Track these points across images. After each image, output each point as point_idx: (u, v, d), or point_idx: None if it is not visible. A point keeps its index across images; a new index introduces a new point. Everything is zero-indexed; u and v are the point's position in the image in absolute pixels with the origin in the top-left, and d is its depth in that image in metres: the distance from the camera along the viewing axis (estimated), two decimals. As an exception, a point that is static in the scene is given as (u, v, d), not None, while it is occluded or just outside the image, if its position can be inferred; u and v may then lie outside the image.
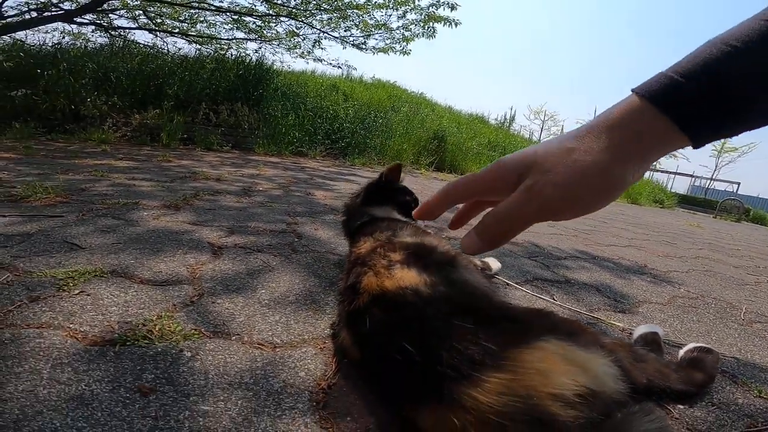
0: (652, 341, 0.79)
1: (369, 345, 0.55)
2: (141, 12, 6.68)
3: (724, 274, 1.93)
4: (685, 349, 0.79)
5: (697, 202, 13.72)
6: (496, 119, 11.50)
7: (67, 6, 5.88)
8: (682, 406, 0.66)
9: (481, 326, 0.49)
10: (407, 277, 0.60)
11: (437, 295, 0.55)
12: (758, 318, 1.25)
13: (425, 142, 6.24)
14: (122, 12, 6.64)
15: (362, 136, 5.64)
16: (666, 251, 2.39)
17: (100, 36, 6.86)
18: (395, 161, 1.00)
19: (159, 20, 6.89)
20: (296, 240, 1.29)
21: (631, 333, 0.92)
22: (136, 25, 6.82)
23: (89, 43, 6.21)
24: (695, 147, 0.37)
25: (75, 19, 5.76)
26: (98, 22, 6.48)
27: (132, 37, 6.77)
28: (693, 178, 20.83)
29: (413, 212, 0.55)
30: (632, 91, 0.38)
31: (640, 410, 0.46)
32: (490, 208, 0.42)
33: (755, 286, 1.76)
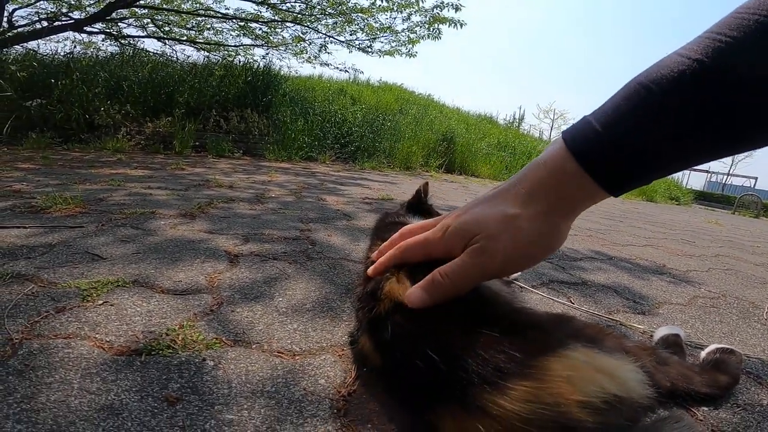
0: (674, 343, 0.78)
1: (391, 352, 0.55)
2: (149, 20, 6.81)
3: (745, 273, 1.89)
4: (707, 350, 0.77)
5: (714, 198, 13.47)
6: (505, 119, 11.47)
7: (76, 15, 6.03)
8: (706, 408, 0.65)
9: (505, 334, 0.49)
10: None
11: (461, 303, 0.56)
12: None
13: (434, 144, 6.23)
14: (131, 21, 6.78)
15: (371, 140, 5.65)
16: (685, 250, 2.35)
17: (111, 45, 7.02)
18: (424, 180, 1.00)
19: (167, 28, 7.01)
20: (310, 247, 1.30)
21: (651, 335, 0.90)
22: (145, 33, 6.96)
23: (100, 52, 6.36)
24: (615, 196, 0.40)
25: (85, 28, 5.90)
26: (108, 30, 6.63)
27: (142, 46, 6.91)
28: (709, 174, 20.48)
29: (367, 271, 0.62)
30: (561, 136, 0.40)
31: (670, 417, 0.46)
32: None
33: None
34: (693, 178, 19.59)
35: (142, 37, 6.96)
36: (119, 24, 6.75)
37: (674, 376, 0.62)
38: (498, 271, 0.45)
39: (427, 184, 1.02)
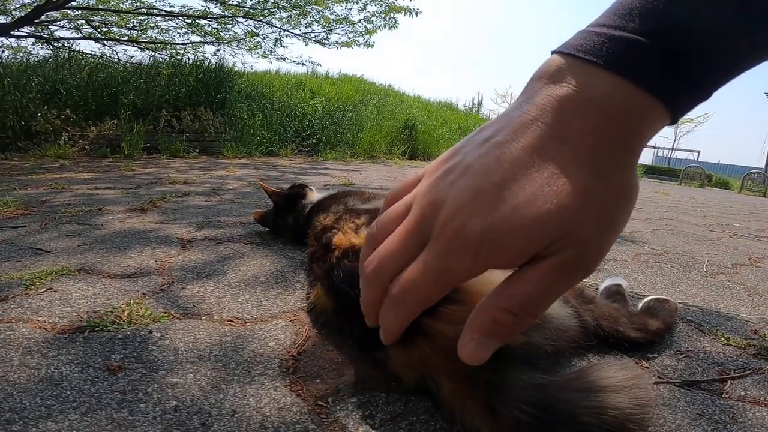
0: (615, 293, 0.80)
1: (341, 292, 0.57)
2: (84, 22, 6.44)
3: (687, 232, 2.01)
4: (644, 300, 0.79)
5: (662, 171, 14.30)
6: (464, 105, 11.64)
7: (1, 19, 5.61)
8: (651, 355, 0.66)
9: None
10: None
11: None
12: (721, 270, 1.29)
13: (396, 132, 6.28)
14: (64, 23, 6.38)
15: (333, 132, 5.63)
16: (632, 215, 2.48)
17: (42, 48, 6.58)
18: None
19: (105, 29, 6.64)
20: (267, 229, 1.29)
21: (597, 288, 0.94)
22: (81, 35, 6.57)
23: (31, 57, 5.96)
24: (673, 122, 0.28)
25: (12, 32, 5.52)
26: (38, 34, 6.22)
27: (78, 48, 6.51)
28: (656, 149, 21.72)
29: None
30: (570, 55, 0.27)
31: (612, 360, 0.48)
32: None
33: (717, 241, 1.84)
34: (642, 154, 20.81)
35: (77, 39, 6.55)
36: (50, 27, 6.36)
37: (599, 315, 0.63)
38: (587, 274, 0.29)
39: (260, 182, 1.16)
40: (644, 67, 0.26)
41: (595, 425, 0.40)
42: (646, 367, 0.63)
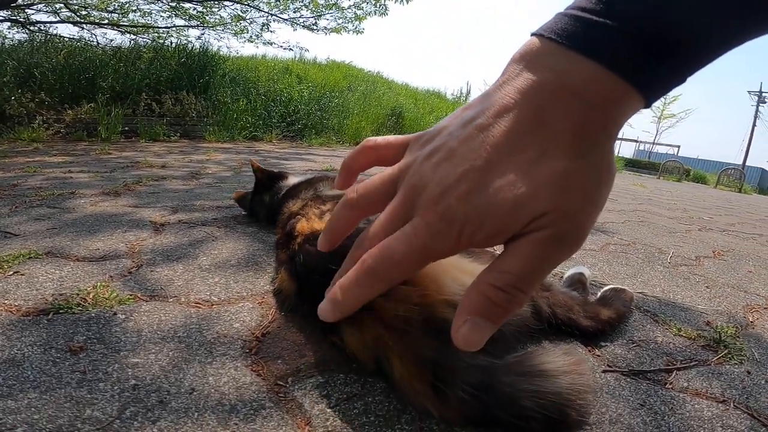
0: (577, 281, 0.81)
1: (303, 275, 0.58)
2: (62, 5, 6.20)
3: (657, 224, 2.04)
4: (602, 290, 0.80)
5: (642, 164, 14.58)
6: (453, 94, 11.60)
7: (-26, 4, 5.38)
8: (604, 344, 0.67)
9: None
10: None
11: (356, 231, 0.60)
12: (684, 261, 1.31)
13: (383, 119, 6.26)
14: (41, 6, 6.14)
15: (319, 117, 5.58)
16: (606, 206, 2.53)
17: (18, 32, 6.34)
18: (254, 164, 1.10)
19: (84, 12, 6.41)
20: (243, 213, 1.30)
21: (562, 276, 0.95)
22: (58, 18, 6.33)
23: (6, 41, 5.73)
24: (647, 106, 0.30)
25: None
26: (13, 18, 5.98)
27: (55, 31, 6.28)
28: (637, 143, 22.09)
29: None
30: (550, 39, 0.28)
31: (555, 347, 0.50)
32: None
33: (685, 234, 1.87)
34: (623, 147, 20.99)
35: (55, 22, 6.32)
36: (27, 11, 6.10)
37: (554, 302, 0.64)
38: (573, 250, 0.30)
39: (251, 160, 1.14)
40: (623, 55, 0.27)
41: (534, 408, 0.41)
42: (597, 356, 0.64)
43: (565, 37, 0.28)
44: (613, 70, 0.27)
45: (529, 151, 0.27)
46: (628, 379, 0.59)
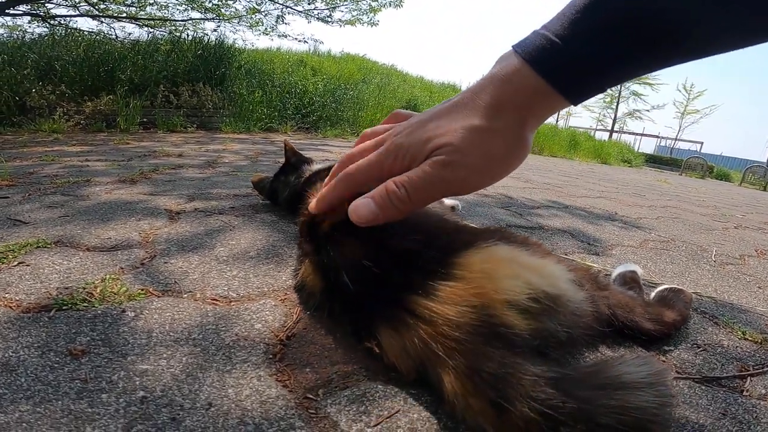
0: (631, 279, 0.76)
1: (329, 270, 0.51)
2: (81, -1, 6.25)
3: (692, 221, 1.96)
4: (656, 290, 0.74)
5: (664, 161, 14.18)
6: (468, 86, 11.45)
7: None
8: (667, 348, 0.62)
9: (432, 238, 0.46)
10: None
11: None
12: (729, 260, 1.25)
13: (398, 113, 6.17)
14: (60, 0, 6.20)
15: (333, 109, 5.53)
16: (636, 201, 2.43)
17: (39, 26, 6.41)
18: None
19: (103, 6, 6.46)
20: (261, 201, 1.23)
21: (608, 274, 0.89)
22: (77, 12, 6.38)
23: (27, 35, 5.81)
24: (575, 104, 0.39)
25: (7, 11, 5.37)
26: (34, 12, 6.05)
27: (75, 25, 6.34)
28: (659, 139, 21.53)
29: (310, 206, 0.51)
30: (514, 50, 0.38)
31: (632, 357, 0.43)
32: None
33: (723, 232, 1.79)
34: (644, 143, 20.59)
35: (74, 16, 6.36)
36: (47, 5, 6.16)
37: (614, 303, 0.58)
38: (462, 187, 0.40)
39: (286, 140, 1.13)
40: (547, 59, 0.36)
41: (614, 426, 0.35)
42: (663, 361, 0.59)
43: (518, 44, 0.38)
44: (533, 67, 0.36)
45: (459, 113, 0.39)
46: (702, 387, 0.54)
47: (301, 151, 1.17)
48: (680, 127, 22.12)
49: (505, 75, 0.38)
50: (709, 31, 0.33)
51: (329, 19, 6.66)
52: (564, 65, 0.36)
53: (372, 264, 0.45)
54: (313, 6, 6.54)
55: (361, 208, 0.40)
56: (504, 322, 0.38)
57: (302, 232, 0.60)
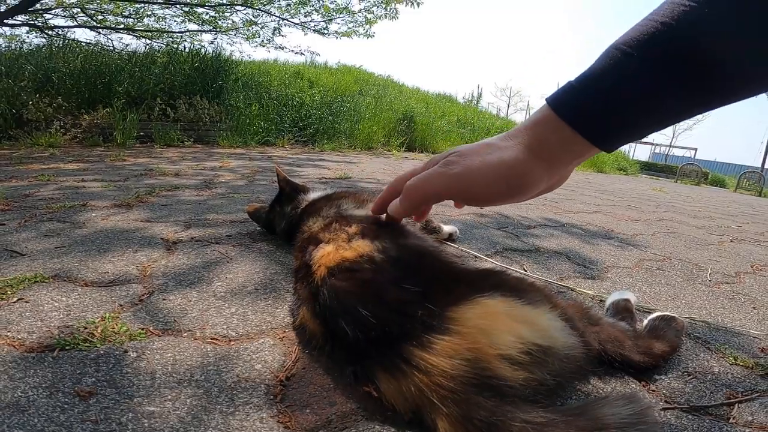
0: (624, 309, 0.77)
1: (327, 315, 0.52)
2: (79, 9, 6.29)
3: (688, 235, 1.98)
4: (648, 318, 0.75)
5: (659, 168, 14.30)
6: (464, 98, 11.53)
7: (-4, 8, 5.48)
8: (658, 377, 0.63)
9: (428, 287, 0.47)
10: (362, 246, 0.59)
11: (389, 261, 0.54)
12: (724, 279, 1.26)
13: (395, 124, 6.19)
14: (58, 11, 6.24)
15: (330, 122, 5.54)
16: (631, 215, 2.46)
17: (36, 37, 6.44)
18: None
19: (100, 17, 6.50)
20: (258, 228, 1.24)
21: (602, 300, 0.90)
22: (75, 23, 6.42)
23: (24, 45, 5.83)
24: (608, 152, 0.41)
25: (5, 21, 5.40)
26: (32, 22, 6.09)
27: (72, 36, 6.37)
28: (653, 146, 21.75)
29: (371, 208, 0.59)
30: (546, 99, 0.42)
31: (617, 396, 0.45)
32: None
33: (719, 246, 1.81)
34: (639, 150, 20.75)
35: (72, 27, 6.40)
36: (45, 15, 6.20)
37: (605, 338, 0.60)
38: (461, 189, 0.45)
39: (277, 168, 1.12)
40: (574, 108, 0.39)
41: None
42: (653, 390, 0.61)
43: (550, 96, 0.41)
44: (561, 117, 0.40)
45: (495, 147, 0.44)
46: (689, 416, 0.55)
47: (299, 168, 1.17)
48: (674, 134, 22.38)
49: (537, 119, 0.42)
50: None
51: (325, 31, 6.73)
52: (575, 104, 0.39)
53: (369, 314, 0.47)
54: (309, 18, 6.62)
55: (391, 205, 0.52)
56: (497, 374, 0.40)
57: (297, 275, 0.62)
